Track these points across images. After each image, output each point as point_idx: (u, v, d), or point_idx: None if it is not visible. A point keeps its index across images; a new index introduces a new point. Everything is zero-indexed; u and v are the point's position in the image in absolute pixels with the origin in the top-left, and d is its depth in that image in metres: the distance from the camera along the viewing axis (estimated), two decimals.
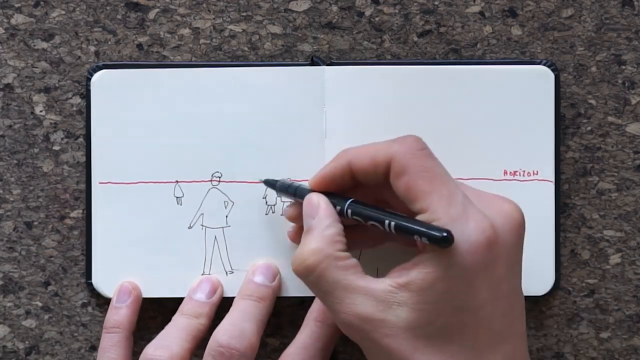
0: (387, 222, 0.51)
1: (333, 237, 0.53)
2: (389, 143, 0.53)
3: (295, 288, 0.60)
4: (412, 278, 0.50)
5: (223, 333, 0.56)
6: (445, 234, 0.49)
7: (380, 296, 0.50)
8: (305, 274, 0.52)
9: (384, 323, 0.50)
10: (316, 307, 0.59)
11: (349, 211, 0.54)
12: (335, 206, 0.54)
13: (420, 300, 0.50)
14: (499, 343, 0.51)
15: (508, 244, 0.51)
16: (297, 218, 0.57)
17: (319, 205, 0.54)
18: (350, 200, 0.54)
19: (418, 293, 0.50)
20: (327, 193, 0.55)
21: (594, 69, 0.62)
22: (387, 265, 0.53)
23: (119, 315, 0.59)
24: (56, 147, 0.62)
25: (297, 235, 0.58)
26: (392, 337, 0.50)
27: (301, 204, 0.56)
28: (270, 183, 0.59)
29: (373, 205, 0.54)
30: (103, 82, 0.60)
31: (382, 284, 0.51)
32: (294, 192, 0.57)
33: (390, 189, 0.53)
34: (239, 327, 0.57)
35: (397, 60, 0.62)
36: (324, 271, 0.52)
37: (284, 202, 0.60)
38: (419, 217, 0.51)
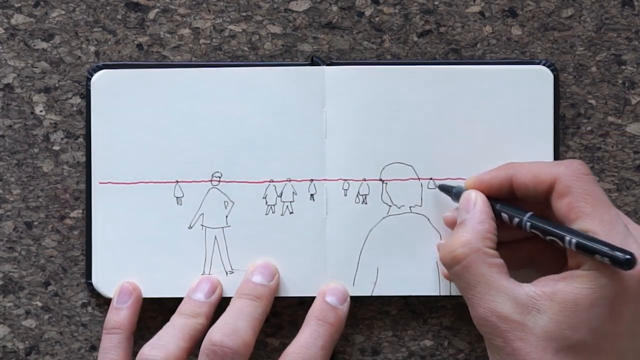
0: (568, 238, 0.52)
1: (484, 233, 0.54)
2: (555, 164, 0.55)
3: (295, 288, 0.60)
4: (558, 289, 0.51)
5: (217, 331, 0.56)
6: (629, 257, 0.49)
7: (522, 300, 0.51)
8: (452, 264, 0.54)
9: (520, 326, 0.51)
10: (317, 306, 0.59)
11: (528, 224, 0.54)
12: (513, 217, 0.55)
13: (561, 312, 0.50)
14: None
15: None
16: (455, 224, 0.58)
17: (475, 201, 0.56)
18: (530, 214, 0.55)
19: (561, 305, 0.50)
20: (507, 204, 0.56)
21: (594, 69, 0.62)
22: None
23: (119, 316, 0.59)
24: (56, 147, 0.62)
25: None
26: (524, 341, 0.51)
27: None
28: (445, 189, 0.59)
29: (550, 221, 0.54)
30: (103, 82, 0.60)
31: (527, 289, 0.52)
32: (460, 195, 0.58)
33: (545, 209, 0.54)
34: (233, 325, 0.57)
35: (397, 60, 0.62)
36: (470, 264, 0.53)
37: (284, 202, 0.60)
38: None
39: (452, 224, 0.58)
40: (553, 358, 0.50)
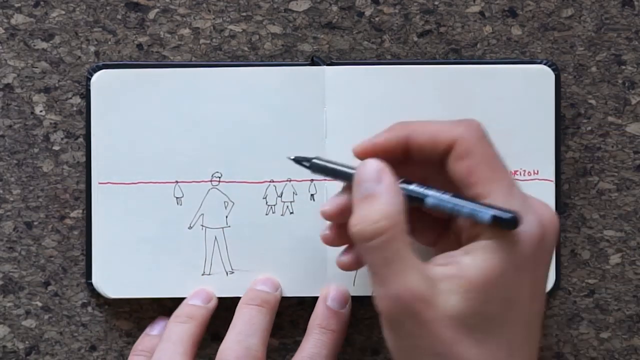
0: (449, 203, 0.50)
1: (402, 206, 0.50)
2: (454, 124, 0.51)
3: (296, 288, 0.60)
4: (465, 265, 0.48)
5: (230, 352, 0.56)
6: (513, 215, 0.48)
7: (435, 278, 0.48)
8: (372, 236, 0.48)
9: (433, 307, 0.48)
10: (319, 312, 0.59)
11: (431, 201, 0.51)
12: (412, 194, 0.51)
13: (471, 288, 0.48)
14: (526, 345, 0.50)
15: (551, 245, 0.51)
16: (343, 212, 0.53)
17: (384, 171, 0.50)
18: (402, 179, 0.51)
19: (470, 281, 0.48)
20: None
21: (594, 69, 0.62)
22: None
23: (152, 343, 0.60)
24: (56, 147, 0.62)
25: (337, 237, 0.55)
26: (437, 322, 0.48)
27: (347, 194, 0.53)
28: (299, 161, 0.54)
29: (425, 184, 0.51)
30: (103, 82, 0.60)
31: (437, 266, 0.49)
32: (337, 171, 0.53)
33: (440, 171, 0.51)
34: (245, 344, 0.56)
35: (397, 60, 0.62)
36: (392, 238, 0.48)
37: (284, 202, 0.60)
38: None
39: (339, 213, 0.53)
40: (467, 336, 0.48)
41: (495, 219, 0.48)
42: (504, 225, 0.48)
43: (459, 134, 0.51)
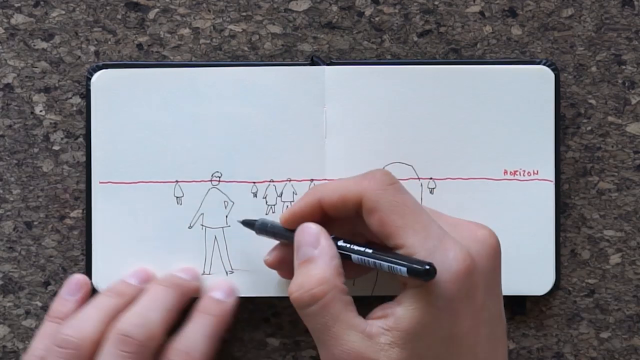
0: (367, 254, 0.52)
1: (338, 269, 0.52)
2: (359, 179, 0.53)
3: None
4: (399, 316, 0.50)
5: (126, 320, 0.56)
6: (427, 267, 0.49)
7: (374, 335, 0.50)
8: (309, 303, 0.51)
9: None
10: (202, 301, 0.59)
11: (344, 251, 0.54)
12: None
13: (409, 338, 0.50)
14: None
15: (486, 270, 0.52)
16: (281, 263, 0.57)
17: (320, 235, 0.53)
18: (331, 237, 0.54)
19: (407, 331, 0.50)
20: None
21: (594, 69, 0.62)
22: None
23: (66, 307, 0.59)
24: (56, 147, 0.62)
25: (278, 262, 0.57)
26: None
27: (284, 247, 0.56)
28: (248, 224, 0.58)
29: (352, 241, 0.53)
30: (103, 82, 0.60)
31: (375, 327, 0.51)
32: (276, 231, 0.56)
33: (364, 223, 0.53)
34: (144, 316, 0.56)
35: (397, 60, 0.62)
36: (329, 302, 0.51)
37: (284, 202, 0.60)
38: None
39: (278, 264, 0.57)
40: None
41: (411, 273, 0.49)
42: (421, 277, 0.49)
43: (363, 189, 0.52)
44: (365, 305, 0.61)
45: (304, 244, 0.53)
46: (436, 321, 0.50)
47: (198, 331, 0.57)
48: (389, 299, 0.61)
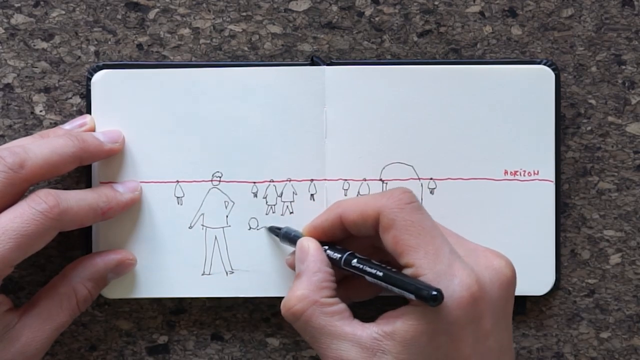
0: (378, 277, 0.53)
1: (320, 283, 0.54)
2: (378, 196, 0.54)
3: None
4: (397, 328, 0.51)
5: (12, 143, 0.57)
6: (434, 293, 0.49)
7: (366, 343, 0.51)
8: (292, 319, 0.54)
9: None
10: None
11: (342, 263, 0.55)
12: (333, 256, 0.55)
13: (403, 350, 0.51)
14: None
15: (495, 299, 0.52)
16: None
17: (308, 250, 0.55)
18: (347, 253, 0.55)
19: (402, 343, 0.51)
20: (328, 242, 0.56)
21: (594, 69, 0.62)
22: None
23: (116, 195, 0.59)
24: None
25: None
26: None
27: None
28: (274, 231, 0.60)
29: (368, 259, 0.54)
30: (103, 82, 0.60)
31: (368, 330, 0.52)
32: (294, 239, 0.58)
33: (381, 243, 0.54)
34: (28, 148, 0.55)
35: (397, 60, 0.62)
36: (309, 317, 0.53)
37: (284, 202, 0.60)
38: (405, 272, 0.52)
39: (294, 266, 0.58)
40: None
41: (419, 298, 0.50)
42: (428, 303, 0.50)
43: (382, 206, 0.53)
44: (365, 305, 0.61)
45: (297, 259, 0.56)
46: (433, 342, 0.51)
47: (53, 143, 0.56)
48: (387, 299, 0.61)
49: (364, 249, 0.56)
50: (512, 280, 0.53)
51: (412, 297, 0.51)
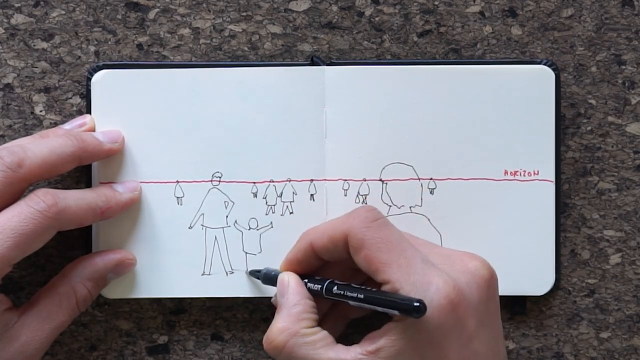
0: (360, 299, 0.53)
1: (300, 315, 0.54)
2: (345, 218, 0.54)
3: None
4: (380, 345, 0.51)
5: (11, 142, 0.57)
6: (417, 304, 0.50)
7: None
8: (275, 353, 0.54)
9: None
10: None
11: (323, 292, 0.55)
12: (315, 287, 0.56)
13: None
14: None
15: (475, 301, 0.52)
16: None
17: (288, 284, 0.56)
18: (327, 282, 0.55)
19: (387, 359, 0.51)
20: (307, 275, 0.57)
21: (594, 69, 0.62)
22: None
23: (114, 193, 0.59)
24: None
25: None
26: None
27: None
28: (254, 274, 0.60)
29: (348, 284, 0.55)
30: (103, 82, 0.60)
31: (353, 352, 0.52)
32: (274, 278, 0.58)
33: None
34: (27, 147, 0.55)
35: (397, 60, 0.62)
36: (292, 349, 0.53)
37: (284, 202, 0.60)
38: (383, 288, 0.52)
39: None
40: None
41: (402, 312, 0.50)
42: (412, 315, 0.50)
43: (349, 227, 0.54)
44: None
45: (278, 294, 0.56)
46: (417, 354, 0.51)
47: (52, 143, 0.56)
48: None
49: (344, 273, 0.57)
50: (490, 281, 0.53)
51: (396, 313, 0.51)
